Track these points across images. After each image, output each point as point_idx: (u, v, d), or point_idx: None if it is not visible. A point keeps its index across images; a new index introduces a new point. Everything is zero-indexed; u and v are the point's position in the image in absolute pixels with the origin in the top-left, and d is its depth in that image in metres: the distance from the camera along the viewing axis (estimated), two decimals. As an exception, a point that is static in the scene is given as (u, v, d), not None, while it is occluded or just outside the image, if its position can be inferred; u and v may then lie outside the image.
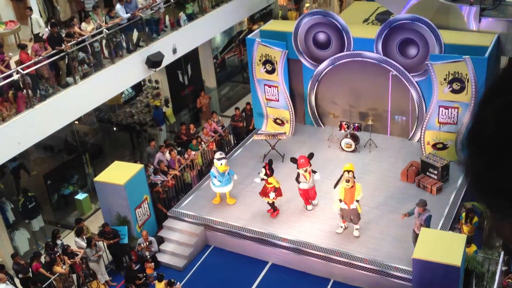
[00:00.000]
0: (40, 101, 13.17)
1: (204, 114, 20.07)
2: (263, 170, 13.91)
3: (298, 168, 13.74)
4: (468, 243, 11.91)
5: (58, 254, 13.02)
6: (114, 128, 19.05)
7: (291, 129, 17.77)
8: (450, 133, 15.32)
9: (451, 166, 14.81)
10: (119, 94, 17.32)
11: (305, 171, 13.60)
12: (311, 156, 13.89)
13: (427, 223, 12.14)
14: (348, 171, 12.65)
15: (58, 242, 13.50)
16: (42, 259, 13.21)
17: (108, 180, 14.14)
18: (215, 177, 14.46)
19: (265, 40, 17.00)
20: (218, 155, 14.65)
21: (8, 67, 12.99)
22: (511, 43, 15.18)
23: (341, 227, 13.48)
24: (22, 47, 13.45)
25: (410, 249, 12.11)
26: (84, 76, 14.30)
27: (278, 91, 17.46)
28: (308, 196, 14.11)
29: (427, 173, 14.77)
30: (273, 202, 14.21)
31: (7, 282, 12.15)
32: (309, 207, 14.29)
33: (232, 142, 18.66)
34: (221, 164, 14.29)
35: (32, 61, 13.13)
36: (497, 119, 1.23)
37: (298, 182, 13.87)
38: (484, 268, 12.06)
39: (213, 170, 14.54)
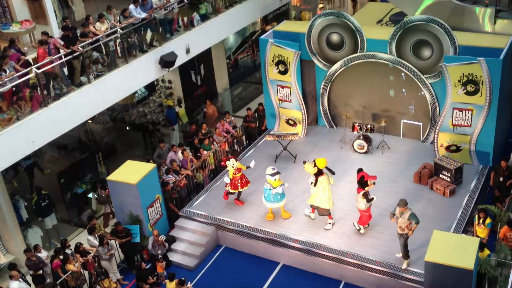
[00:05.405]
0: (54, 100, 13.28)
1: (207, 120, 19.55)
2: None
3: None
4: (481, 248, 11.79)
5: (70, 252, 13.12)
6: (127, 128, 19.14)
7: (303, 130, 17.75)
8: (464, 135, 15.21)
9: (465, 168, 14.73)
10: (132, 93, 17.39)
11: (374, 184, 13.01)
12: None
13: (414, 219, 11.93)
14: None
15: (68, 251, 13.21)
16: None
17: (121, 179, 14.20)
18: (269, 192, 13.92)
19: (278, 41, 17.00)
20: (270, 170, 13.79)
21: (24, 65, 13.09)
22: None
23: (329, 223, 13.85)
24: (42, 42, 13.53)
25: (422, 251, 12.05)
26: (98, 75, 14.41)
27: (290, 91, 17.45)
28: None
29: (440, 176, 14.69)
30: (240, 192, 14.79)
31: (20, 279, 12.25)
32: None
33: (244, 142, 18.67)
34: (275, 179, 13.70)
35: (47, 59, 13.23)
36: None
37: (369, 200, 13.00)
38: (497, 272, 11.95)
39: (266, 186, 13.97)
